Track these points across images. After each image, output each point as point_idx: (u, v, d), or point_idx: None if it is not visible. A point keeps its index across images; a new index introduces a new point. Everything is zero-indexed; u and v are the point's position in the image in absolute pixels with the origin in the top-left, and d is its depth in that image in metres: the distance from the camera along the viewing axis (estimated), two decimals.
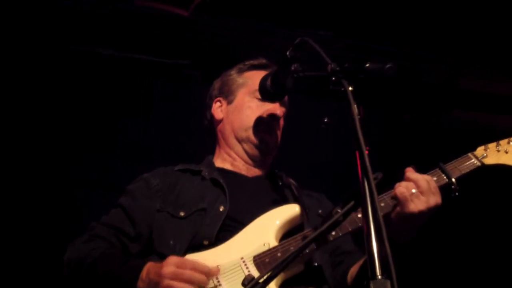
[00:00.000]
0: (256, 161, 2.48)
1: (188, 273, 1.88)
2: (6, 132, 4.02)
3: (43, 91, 3.90)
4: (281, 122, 2.52)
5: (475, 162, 2.18)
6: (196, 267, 1.91)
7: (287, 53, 2.06)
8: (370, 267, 1.40)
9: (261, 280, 1.82)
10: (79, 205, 4.22)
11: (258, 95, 2.40)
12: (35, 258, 4.35)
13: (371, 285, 1.37)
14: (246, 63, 2.59)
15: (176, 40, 3.75)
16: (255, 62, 2.58)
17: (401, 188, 2.00)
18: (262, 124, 2.44)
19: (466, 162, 2.17)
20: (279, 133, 2.51)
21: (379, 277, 1.37)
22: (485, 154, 2.20)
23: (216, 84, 2.63)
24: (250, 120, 2.44)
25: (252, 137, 2.43)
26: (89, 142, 4.21)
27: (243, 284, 1.86)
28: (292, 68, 2.06)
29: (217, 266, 1.98)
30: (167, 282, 1.86)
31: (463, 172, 2.14)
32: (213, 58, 3.72)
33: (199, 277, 1.90)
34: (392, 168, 2.07)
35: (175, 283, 1.86)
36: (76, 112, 4.05)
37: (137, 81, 3.96)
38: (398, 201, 2.00)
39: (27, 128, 4.08)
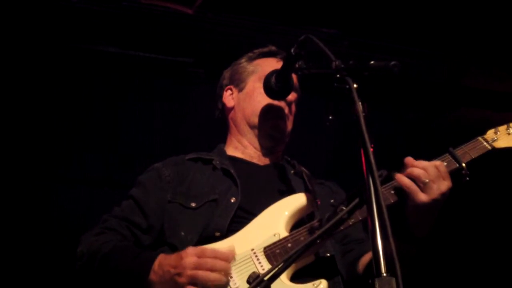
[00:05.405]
0: (267, 148, 2.44)
1: (210, 261, 1.87)
2: (8, 130, 4.03)
3: (45, 88, 3.90)
4: (293, 107, 2.48)
5: (486, 145, 2.13)
6: (217, 254, 1.89)
7: (292, 51, 2.05)
8: (375, 265, 1.39)
9: (266, 278, 1.81)
10: (82, 204, 4.22)
11: None
12: (37, 256, 4.36)
13: (376, 282, 1.37)
14: (256, 51, 2.57)
15: (180, 38, 3.75)
16: (265, 49, 2.56)
17: (406, 181, 1.96)
18: (274, 110, 2.39)
19: (476, 146, 2.12)
20: (291, 118, 2.46)
21: (384, 274, 1.37)
22: (495, 138, 2.15)
23: (226, 73, 2.60)
24: (262, 106, 2.40)
25: (265, 123, 2.40)
26: (91, 140, 4.21)
27: (248, 282, 1.86)
28: (297, 65, 2.06)
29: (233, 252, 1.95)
30: (190, 272, 1.84)
31: (473, 156, 2.09)
32: (217, 56, 3.72)
33: (222, 264, 1.88)
34: (397, 166, 2.06)
35: (199, 272, 1.84)
36: (78, 110, 4.06)
37: (140, 79, 3.96)
38: (407, 195, 1.96)
39: (29, 126, 4.08)
